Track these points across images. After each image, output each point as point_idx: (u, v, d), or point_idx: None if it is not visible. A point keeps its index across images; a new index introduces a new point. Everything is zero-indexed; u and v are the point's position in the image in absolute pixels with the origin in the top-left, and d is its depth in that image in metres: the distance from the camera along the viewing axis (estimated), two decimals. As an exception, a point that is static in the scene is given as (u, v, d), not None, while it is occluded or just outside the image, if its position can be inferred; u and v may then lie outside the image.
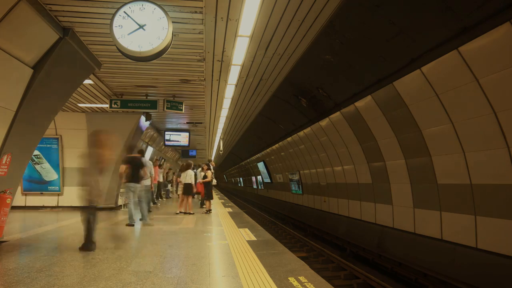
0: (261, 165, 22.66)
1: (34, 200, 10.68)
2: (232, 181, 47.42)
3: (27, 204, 10.64)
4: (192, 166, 10.69)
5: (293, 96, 10.68)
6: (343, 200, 11.28)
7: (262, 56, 6.76)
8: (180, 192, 11.29)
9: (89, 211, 4.78)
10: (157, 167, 12.78)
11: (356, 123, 8.77)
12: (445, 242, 6.55)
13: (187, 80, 7.55)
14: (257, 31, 5.59)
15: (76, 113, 10.32)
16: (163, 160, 18.38)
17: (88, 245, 4.77)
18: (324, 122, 10.57)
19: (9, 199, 5.13)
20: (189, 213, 9.69)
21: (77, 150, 10.50)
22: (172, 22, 4.56)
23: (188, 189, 9.79)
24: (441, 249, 6.60)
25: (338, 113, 9.36)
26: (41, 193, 10.67)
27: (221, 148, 20.17)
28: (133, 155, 7.73)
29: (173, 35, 4.58)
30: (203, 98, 9.14)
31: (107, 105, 8.65)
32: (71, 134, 10.58)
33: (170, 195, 17.81)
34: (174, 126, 13.38)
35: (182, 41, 5.60)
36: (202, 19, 4.95)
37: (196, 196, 12.48)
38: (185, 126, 13.23)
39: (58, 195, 10.73)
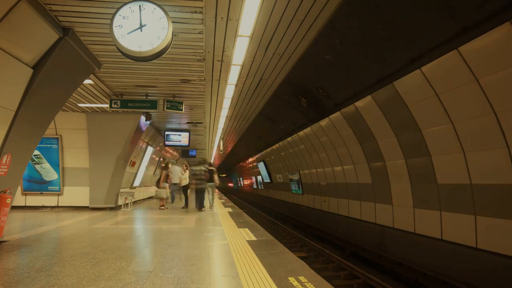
0: (261, 165, 22.66)
1: (34, 200, 10.69)
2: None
3: (27, 204, 10.65)
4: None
5: (293, 96, 10.67)
6: (343, 200, 11.29)
7: (262, 56, 6.76)
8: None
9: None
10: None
11: (356, 123, 8.77)
12: (445, 242, 6.55)
13: (187, 80, 7.55)
14: (257, 31, 5.59)
15: (76, 113, 10.32)
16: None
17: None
18: (324, 122, 10.57)
19: (9, 199, 5.13)
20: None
21: (77, 150, 10.59)
22: (172, 22, 4.56)
23: None
24: (441, 249, 6.60)
25: (338, 113, 9.37)
26: (41, 193, 10.67)
27: (221, 148, 20.19)
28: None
29: (173, 35, 4.58)
30: (203, 98, 9.14)
31: (107, 105, 8.65)
32: (71, 134, 10.59)
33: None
34: (174, 126, 13.37)
35: (182, 41, 5.60)
36: (202, 19, 4.96)
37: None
38: (185, 126, 13.23)
39: (58, 195, 10.74)
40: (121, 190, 11.56)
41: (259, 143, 19.80)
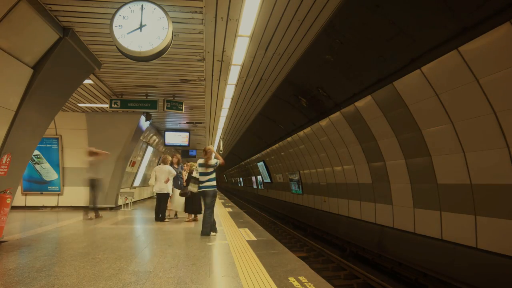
0: (261, 165, 22.66)
1: (34, 200, 10.69)
2: (232, 181, 47.41)
3: (27, 204, 10.65)
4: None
5: (293, 96, 10.68)
6: (343, 200, 11.29)
7: (262, 56, 6.76)
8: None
9: None
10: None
11: (356, 123, 8.77)
12: (445, 242, 6.55)
13: (187, 80, 7.55)
14: (257, 31, 5.59)
15: (76, 113, 10.32)
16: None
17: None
18: (324, 122, 10.57)
19: (9, 199, 5.13)
20: None
21: (77, 150, 10.58)
22: (172, 22, 4.56)
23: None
24: (441, 249, 6.60)
25: (338, 113, 9.37)
26: (41, 193, 10.67)
27: (221, 148, 20.17)
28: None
29: (173, 35, 4.58)
30: (203, 98, 9.14)
31: (107, 105, 8.66)
32: (71, 134, 10.59)
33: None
34: (174, 126, 13.38)
35: (182, 41, 5.60)
36: (202, 19, 4.96)
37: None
38: (185, 126, 13.23)
39: (58, 195, 10.74)
40: (121, 190, 11.56)
41: (259, 143, 19.80)
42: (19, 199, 10.50)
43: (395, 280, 7.31)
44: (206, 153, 6.23)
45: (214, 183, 6.21)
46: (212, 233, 6.23)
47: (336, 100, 9.06)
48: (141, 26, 4.33)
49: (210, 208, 6.11)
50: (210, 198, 6.14)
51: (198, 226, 7.51)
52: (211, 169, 6.16)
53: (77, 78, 6.27)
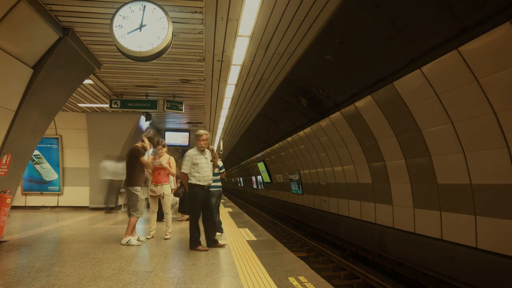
0: (261, 165, 22.67)
1: (34, 200, 10.69)
2: (232, 181, 47.43)
3: (27, 204, 10.65)
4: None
5: (293, 96, 10.68)
6: (343, 200, 11.29)
7: (262, 56, 6.76)
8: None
9: None
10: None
11: (356, 123, 8.77)
12: (445, 242, 6.55)
13: (187, 80, 7.54)
14: (257, 31, 5.59)
15: (76, 113, 10.32)
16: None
17: None
18: (324, 122, 10.57)
19: (9, 199, 5.13)
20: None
21: (77, 150, 10.59)
22: (172, 22, 4.56)
23: None
24: (441, 249, 6.60)
25: (338, 113, 9.37)
26: (41, 193, 10.67)
27: (221, 148, 20.18)
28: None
29: (173, 35, 4.58)
30: (203, 98, 9.14)
31: (107, 105, 8.66)
32: (71, 134, 10.59)
33: None
34: (174, 126, 13.38)
35: (182, 41, 5.60)
36: (202, 19, 4.96)
37: None
38: (185, 126, 13.24)
39: (58, 195, 10.74)
40: (121, 190, 11.56)
41: (259, 143, 19.81)
42: (19, 199, 10.51)
43: (395, 280, 7.31)
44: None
45: (219, 183, 5.83)
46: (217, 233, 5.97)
47: (336, 100, 9.06)
48: (141, 26, 4.33)
49: (214, 210, 5.55)
50: (215, 198, 5.62)
51: (198, 226, 7.50)
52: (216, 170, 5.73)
53: (77, 78, 6.27)
